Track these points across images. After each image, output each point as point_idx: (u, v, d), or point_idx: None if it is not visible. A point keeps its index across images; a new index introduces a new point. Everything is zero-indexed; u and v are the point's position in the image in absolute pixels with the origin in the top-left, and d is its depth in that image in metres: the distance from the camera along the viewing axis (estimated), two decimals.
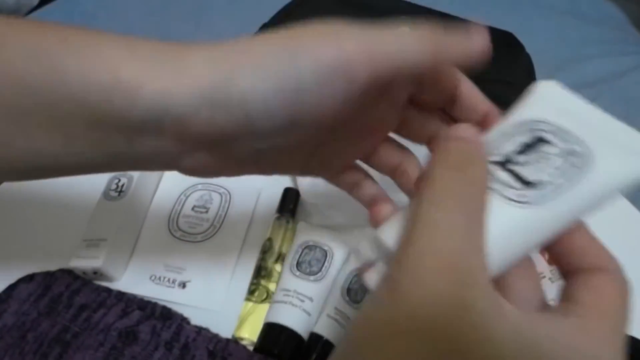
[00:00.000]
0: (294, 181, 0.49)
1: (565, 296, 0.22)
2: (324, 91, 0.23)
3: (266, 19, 0.55)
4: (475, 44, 0.24)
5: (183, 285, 0.44)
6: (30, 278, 0.43)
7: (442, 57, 0.24)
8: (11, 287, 0.43)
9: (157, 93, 0.23)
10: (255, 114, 0.23)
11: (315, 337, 0.40)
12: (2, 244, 0.47)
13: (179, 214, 0.48)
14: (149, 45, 0.24)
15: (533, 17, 0.83)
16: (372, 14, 0.55)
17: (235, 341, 0.40)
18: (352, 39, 0.23)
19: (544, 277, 0.44)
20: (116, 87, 0.22)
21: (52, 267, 0.44)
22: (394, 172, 0.30)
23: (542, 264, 0.45)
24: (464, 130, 0.23)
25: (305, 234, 0.45)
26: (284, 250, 0.45)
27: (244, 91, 0.23)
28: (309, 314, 0.41)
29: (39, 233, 0.48)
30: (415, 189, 0.22)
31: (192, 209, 0.48)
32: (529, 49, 0.57)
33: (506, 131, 0.24)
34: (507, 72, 0.52)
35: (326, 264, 0.43)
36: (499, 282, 0.21)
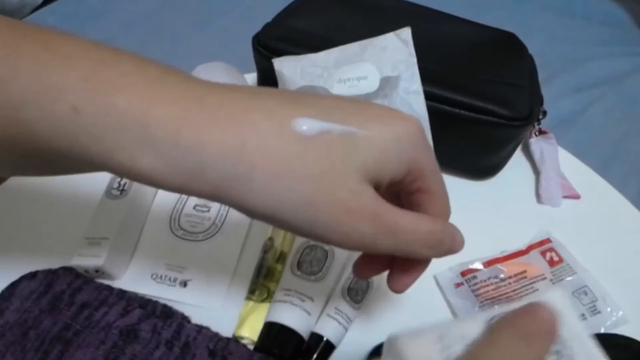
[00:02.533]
0: None
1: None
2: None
3: (269, 19, 0.55)
4: None
5: (184, 284, 0.44)
6: (32, 276, 0.44)
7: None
8: (13, 285, 0.43)
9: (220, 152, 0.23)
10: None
11: (316, 337, 0.40)
12: (4, 241, 0.47)
13: (180, 212, 0.48)
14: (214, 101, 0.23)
15: (535, 17, 0.83)
16: (376, 14, 0.55)
17: (235, 340, 0.41)
18: None
19: (544, 278, 0.44)
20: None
21: (54, 265, 0.44)
22: None
23: (542, 264, 0.45)
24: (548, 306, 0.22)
25: None
26: (285, 249, 0.45)
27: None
28: (309, 313, 0.41)
29: (41, 231, 0.48)
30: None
31: (194, 207, 0.49)
32: (531, 49, 0.57)
33: None
34: (509, 73, 0.52)
35: (327, 264, 0.43)
36: None
